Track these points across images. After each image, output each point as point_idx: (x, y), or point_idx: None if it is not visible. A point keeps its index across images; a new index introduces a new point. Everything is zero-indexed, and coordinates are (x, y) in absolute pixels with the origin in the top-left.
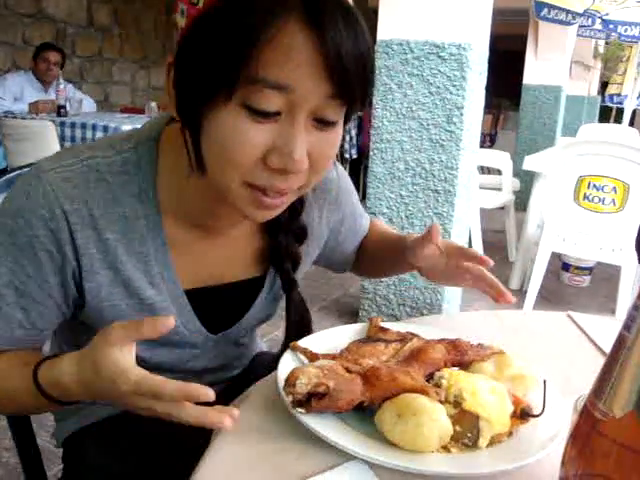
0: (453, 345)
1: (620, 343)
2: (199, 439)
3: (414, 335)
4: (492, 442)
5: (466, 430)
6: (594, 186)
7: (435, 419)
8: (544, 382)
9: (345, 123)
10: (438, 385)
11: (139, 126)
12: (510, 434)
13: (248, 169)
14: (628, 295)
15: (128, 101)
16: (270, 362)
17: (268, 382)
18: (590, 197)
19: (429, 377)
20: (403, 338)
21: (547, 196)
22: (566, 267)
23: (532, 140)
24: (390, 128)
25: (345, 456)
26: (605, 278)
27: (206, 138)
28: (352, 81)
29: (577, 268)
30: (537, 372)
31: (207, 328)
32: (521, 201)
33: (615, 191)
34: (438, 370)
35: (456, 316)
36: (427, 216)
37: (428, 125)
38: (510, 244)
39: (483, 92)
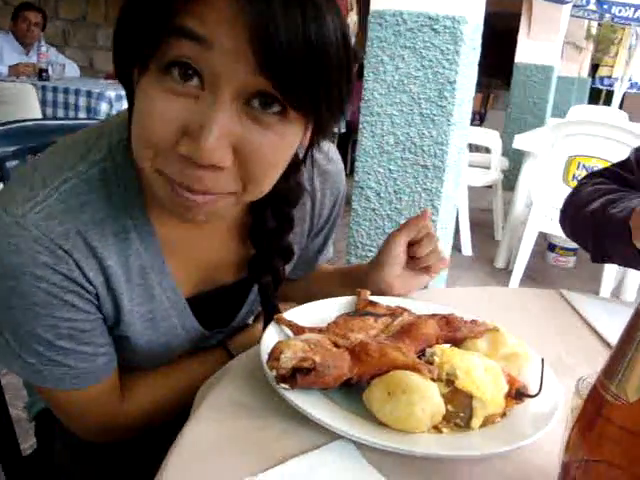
0: (446, 321)
1: (635, 322)
2: (177, 415)
3: (404, 309)
4: (485, 423)
5: (459, 410)
6: (583, 167)
7: (427, 398)
8: (542, 361)
9: (312, 142)
10: (430, 362)
11: (122, 93)
12: (504, 415)
13: (160, 151)
14: (612, 276)
15: (113, 68)
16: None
17: (250, 355)
18: (579, 178)
19: (420, 354)
20: (393, 312)
21: (536, 175)
22: (552, 247)
23: (522, 120)
24: (381, 101)
25: (331, 435)
26: (589, 260)
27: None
28: (284, 52)
29: (562, 249)
30: (532, 351)
31: (203, 326)
32: (509, 180)
33: None
34: (430, 346)
35: (444, 292)
36: (415, 192)
37: (419, 99)
38: (497, 223)
39: (476, 67)
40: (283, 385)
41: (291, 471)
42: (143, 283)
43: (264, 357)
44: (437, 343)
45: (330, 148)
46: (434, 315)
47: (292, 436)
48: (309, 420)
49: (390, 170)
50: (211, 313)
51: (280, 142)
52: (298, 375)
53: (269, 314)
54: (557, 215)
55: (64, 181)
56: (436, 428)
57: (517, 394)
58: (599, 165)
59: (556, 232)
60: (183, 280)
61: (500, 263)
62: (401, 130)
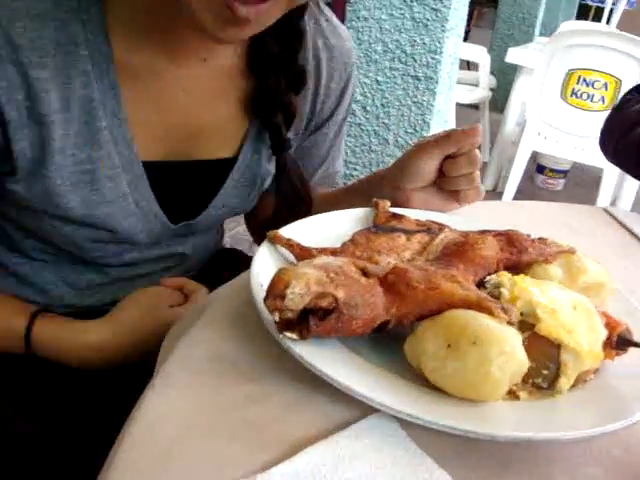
0: (507, 239)
1: None
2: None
3: (441, 225)
4: (575, 383)
5: (540, 366)
6: (584, 81)
7: (508, 352)
8: None
9: None
10: (494, 296)
11: None
12: (596, 371)
13: None
14: (608, 198)
15: None
16: (235, 262)
17: (237, 287)
18: (578, 93)
19: (478, 284)
20: (429, 228)
21: (531, 91)
22: (540, 169)
23: (509, 36)
24: (368, 4)
25: (362, 409)
26: (578, 183)
27: None
28: None
29: (552, 171)
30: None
31: (166, 215)
32: (495, 101)
33: (606, 87)
34: (489, 274)
35: (472, 205)
36: (405, 105)
37: (411, 2)
38: (484, 143)
39: None
40: (289, 334)
41: (306, 467)
42: (86, 121)
43: (259, 293)
44: (497, 270)
45: (340, 25)
46: (486, 231)
47: (304, 411)
48: (329, 386)
49: (378, 81)
50: (178, 201)
51: None
52: (312, 319)
53: (282, 167)
54: (552, 133)
55: None
56: (511, 392)
57: (620, 342)
58: (601, 79)
59: (550, 151)
60: (143, 137)
61: (488, 185)
62: (390, 37)
